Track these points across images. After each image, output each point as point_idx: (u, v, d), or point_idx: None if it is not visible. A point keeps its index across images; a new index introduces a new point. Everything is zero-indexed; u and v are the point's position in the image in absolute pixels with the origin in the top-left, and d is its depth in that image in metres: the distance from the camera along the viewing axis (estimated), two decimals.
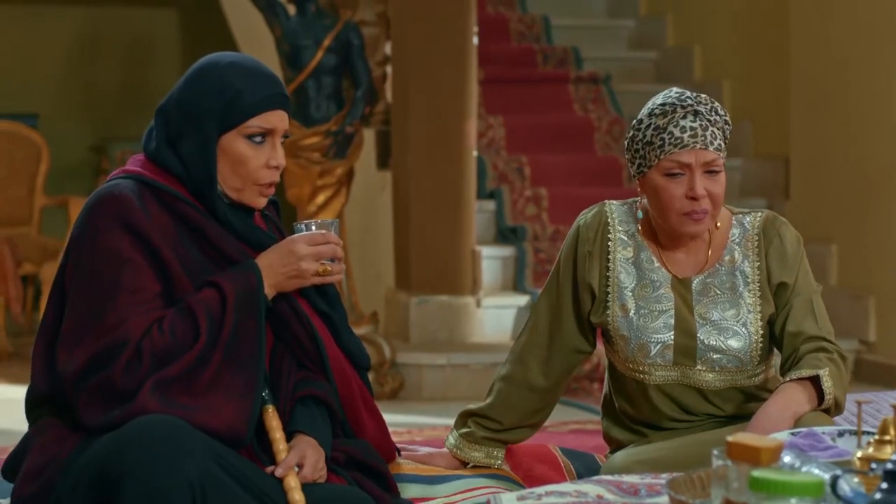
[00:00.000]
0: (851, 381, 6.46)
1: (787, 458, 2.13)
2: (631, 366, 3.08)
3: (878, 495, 2.03)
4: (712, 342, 3.02)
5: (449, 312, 6.54)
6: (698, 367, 3.03)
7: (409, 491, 3.04)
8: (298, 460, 2.73)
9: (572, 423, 5.44)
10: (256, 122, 2.77)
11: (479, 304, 6.62)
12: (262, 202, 2.82)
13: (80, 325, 2.68)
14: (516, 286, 6.80)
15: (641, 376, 3.07)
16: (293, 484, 2.69)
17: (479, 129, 7.24)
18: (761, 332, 3.02)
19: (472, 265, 6.62)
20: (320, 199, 6.35)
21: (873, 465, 2.20)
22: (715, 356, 3.02)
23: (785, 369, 3.01)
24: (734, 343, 3.01)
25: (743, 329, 3.02)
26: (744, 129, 7.75)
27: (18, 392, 4.95)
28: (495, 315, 6.64)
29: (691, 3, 8.44)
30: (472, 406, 3.24)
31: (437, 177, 6.55)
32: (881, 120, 6.49)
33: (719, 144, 2.98)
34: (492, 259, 6.81)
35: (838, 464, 2.28)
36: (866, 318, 6.56)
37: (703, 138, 2.97)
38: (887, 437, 2.27)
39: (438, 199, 6.55)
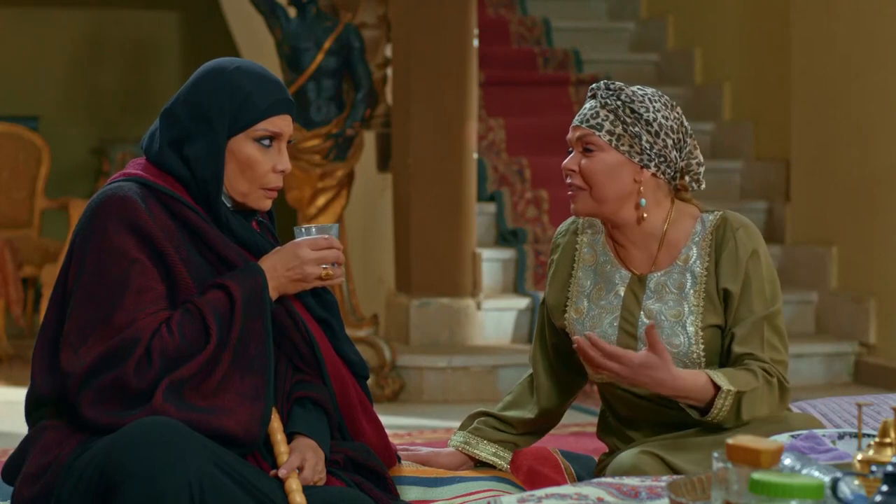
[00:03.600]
0: (852, 384, 6.50)
1: (787, 461, 2.12)
2: (588, 368, 3.10)
3: (878, 498, 2.03)
4: None
5: (449, 315, 6.54)
6: None
7: (409, 493, 3.04)
8: (300, 462, 2.73)
9: (572, 425, 5.43)
10: (265, 126, 2.79)
11: (479, 307, 6.62)
12: (267, 204, 2.85)
13: (86, 324, 2.68)
14: (517, 288, 6.81)
15: (598, 377, 3.08)
16: (294, 486, 2.69)
17: (480, 132, 7.25)
18: (701, 334, 2.98)
19: (473, 267, 6.63)
20: (321, 201, 6.35)
21: (873, 468, 2.20)
22: None
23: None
24: (674, 342, 2.98)
25: (682, 330, 2.99)
26: (745, 131, 7.75)
27: (19, 395, 4.95)
28: (495, 317, 6.65)
29: (692, 5, 8.44)
30: (483, 409, 3.27)
31: (437, 179, 6.56)
32: (882, 122, 6.49)
33: (598, 124, 3.00)
34: (492, 261, 6.81)
35: (838, 466, 2.28)
36: (867, 320, 6.56)
37: (583, 116, 3.04)
38: (887, 440, 2.27)
39: (439, 201, 6.55)
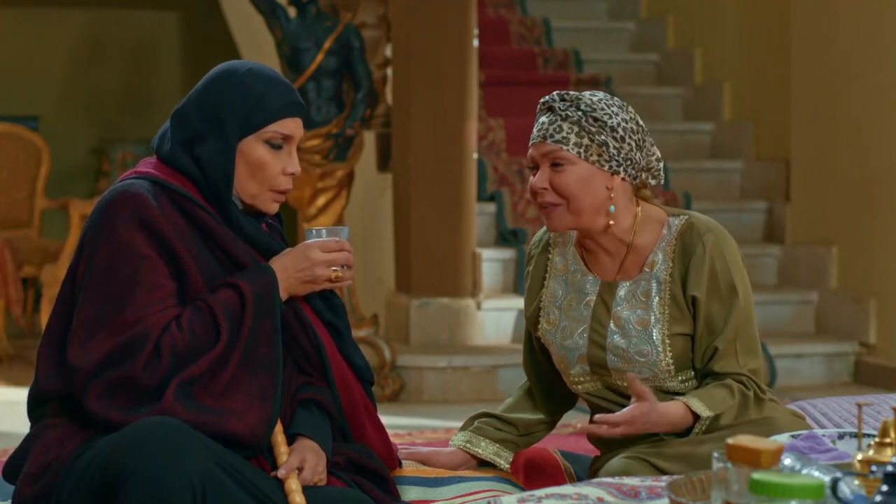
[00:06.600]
0: (852, 384, 6.50)
1: (787, 461, 2.12)
2: (564, 378, 3.11)
3: (878, 498, 2.03)
4: (619, 351, 3.00)
5: (449, 315, 6.54)
6: (613, 375, 3.02)
7: (409, 493, 3.04)
8: (299, 463, 2.74)
9: (572, 426, 5.43)
10: (276, 128, 2.81)
11: (479, 307, 6.62)
12: (275, 207, 2.86)
13: (95, 320, 2.68)
14: (517, 288, 6.80)
15: (575, 387, 3.10)
16: (294, 486, 2.70)
17: (480, 132, 7.25)
18: (668, 342, 2.98)
19: (473, 267, 6.63)
20: (321, 201, 6.35)
21: (873, 468, 2.20)
22: (624, 365, 2.99)
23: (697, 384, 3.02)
24: (643, 351, 2.98)
25: (647, 338, 2.98)
26: (745, 131, 7.75)
27: (19, 395, 4.95)
28: (495, 317, 6.65)
29: (692, 5, 8.44)
30: (485, 410, 3.27)
31: (437, 179, 6.56)
32: (882, 122, 6.49)
33: (564, 138, 2.96)
34: (492, 261, 6.81)
35: (838, 466, 2.28)
36: (867, 320, 6.56)
37: (544, 132, 2.98)
38: (887, 440, 2.27)
39: (439, 201, 6.55)
